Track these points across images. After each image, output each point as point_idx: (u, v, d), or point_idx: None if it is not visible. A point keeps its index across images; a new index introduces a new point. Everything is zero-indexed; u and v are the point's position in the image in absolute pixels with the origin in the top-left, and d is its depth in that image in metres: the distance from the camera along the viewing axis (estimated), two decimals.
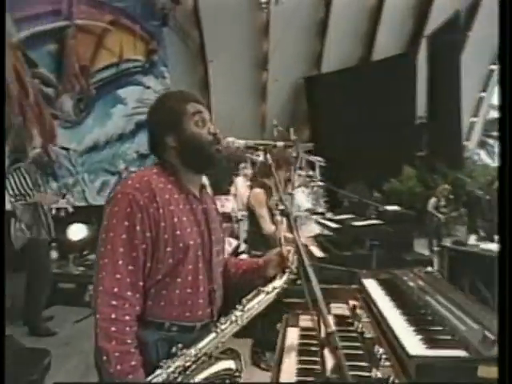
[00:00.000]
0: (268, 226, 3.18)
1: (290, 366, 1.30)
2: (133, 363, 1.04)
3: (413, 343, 1.18)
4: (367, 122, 8.75)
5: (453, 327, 1.23)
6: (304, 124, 9.72)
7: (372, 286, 1.81)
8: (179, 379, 1.06)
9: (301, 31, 8.83)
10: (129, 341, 1.05)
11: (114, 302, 1.06)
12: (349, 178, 6.93)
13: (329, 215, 5.24)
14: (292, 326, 1.57)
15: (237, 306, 1.22)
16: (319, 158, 5.69)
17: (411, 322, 1.33)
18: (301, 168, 5.96)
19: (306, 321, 1.60)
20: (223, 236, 1.37)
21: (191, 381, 1.07)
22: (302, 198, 5.01)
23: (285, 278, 1.44)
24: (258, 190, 3.24)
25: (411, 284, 1.68)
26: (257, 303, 1.26)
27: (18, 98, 4.28)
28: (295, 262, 1.49)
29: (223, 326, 1.16)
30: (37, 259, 3.35)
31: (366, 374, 1.15)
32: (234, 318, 1.18)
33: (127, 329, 1.06)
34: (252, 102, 9.20)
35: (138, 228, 1.09)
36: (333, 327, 0.80)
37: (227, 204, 5.31)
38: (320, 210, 5.19)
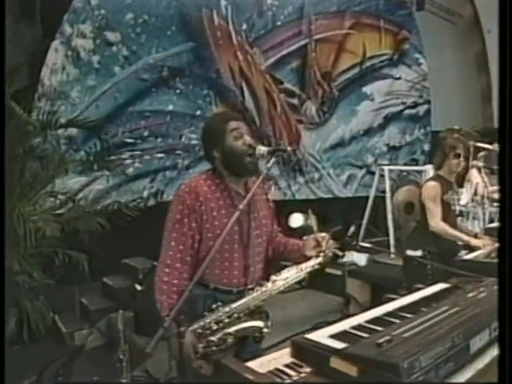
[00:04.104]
0: (434, 222, 2.93)
1: None
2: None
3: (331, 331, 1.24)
4: None
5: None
6: None
7: (432, 288, 1.64)
8: (214, 328, 1.44)
9: None
10: (174, 296, 1.46)
11: (166, 270, 1.52)
12: None
13: None
14: None
15: (270, 277, 1.57)
16: None
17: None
18: None
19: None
20: (266, 222, 1.73)
21: (224, 331, 1.44)
22: None
23: (318, 260, 1.69)
24: (431, 183, 3.04)
25: (468, 295, 1.45)
26: (285, 278, 1.58)
27: (268, 110, 5.48)
28: (331, 247, 1.70)
29: (254, 294, 1.50)
30: None
31: None
32: (264, 289, 1.52)
33: (174, 288, 1.49)
34: None
35: (185, 220, 1.53)
36: None
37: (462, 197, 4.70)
38: None
